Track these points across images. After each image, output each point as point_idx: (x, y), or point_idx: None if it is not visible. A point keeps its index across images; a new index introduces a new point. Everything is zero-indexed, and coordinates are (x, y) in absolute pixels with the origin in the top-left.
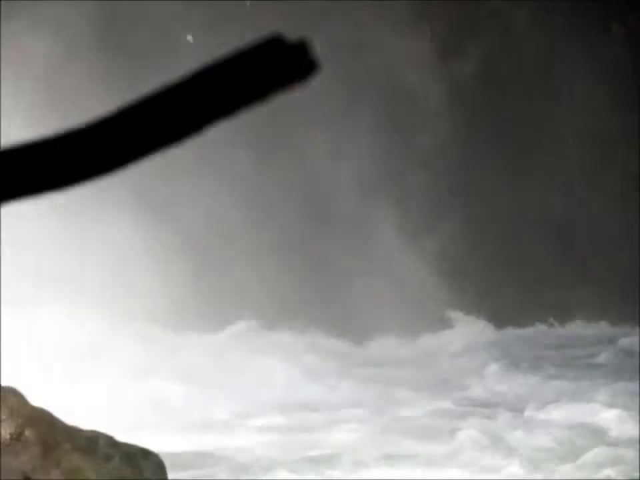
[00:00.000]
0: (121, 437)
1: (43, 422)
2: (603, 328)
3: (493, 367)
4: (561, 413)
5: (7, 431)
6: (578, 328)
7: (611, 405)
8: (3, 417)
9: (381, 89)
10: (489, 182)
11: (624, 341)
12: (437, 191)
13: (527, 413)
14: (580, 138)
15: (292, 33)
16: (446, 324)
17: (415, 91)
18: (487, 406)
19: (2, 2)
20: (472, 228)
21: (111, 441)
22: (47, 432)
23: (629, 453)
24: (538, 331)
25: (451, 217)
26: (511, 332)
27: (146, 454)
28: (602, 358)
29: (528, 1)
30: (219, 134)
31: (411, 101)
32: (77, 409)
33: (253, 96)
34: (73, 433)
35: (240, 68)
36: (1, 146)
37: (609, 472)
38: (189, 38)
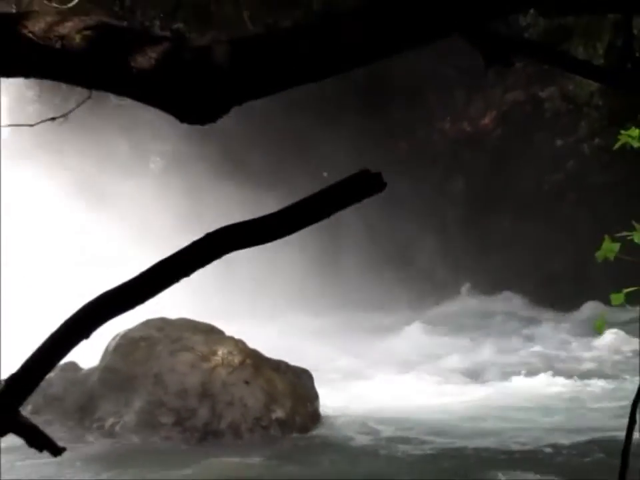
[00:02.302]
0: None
1: (254, 355)
2: None
3: None
4: None
5: (237, 360)
6: None
7: None
8: (235, 352)
9: None
10: None
11: None
12: None
13: None
14: None
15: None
16: None
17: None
18: None
19: None
20: None
21: (286, 364)
22: (256, 360)
23: None
24: None
25: None
26: None
27: (304, 371)
28: None
29: None
30: None
31: None
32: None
33: (351, 200)
34: (268, 360)
35: (347, 184)
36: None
37: None
38: (325, 174)
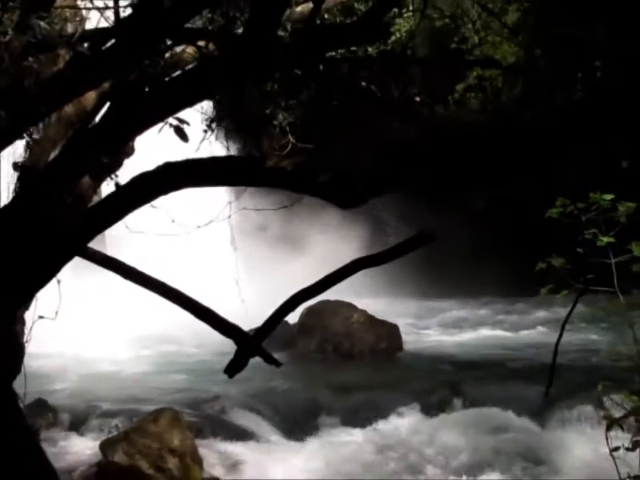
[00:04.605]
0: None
1: (371, 317)
2: None
3: None
4: None
5: (362, 319)
6: None
7: None
8: (362, 315)
9: None
10: None
11: None
12: None
13: None
14: None
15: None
16: None
17: None
18: None
19: None
20: None
21: (387, 322)
22: (372, 320)
23: None
24: None
25: None
26: None
27: (395, 325)
28: None
29: None
30: None
31: None
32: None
33: (422, 244)
34: (378, 319)
35: (420, 235)
36: None
37: None
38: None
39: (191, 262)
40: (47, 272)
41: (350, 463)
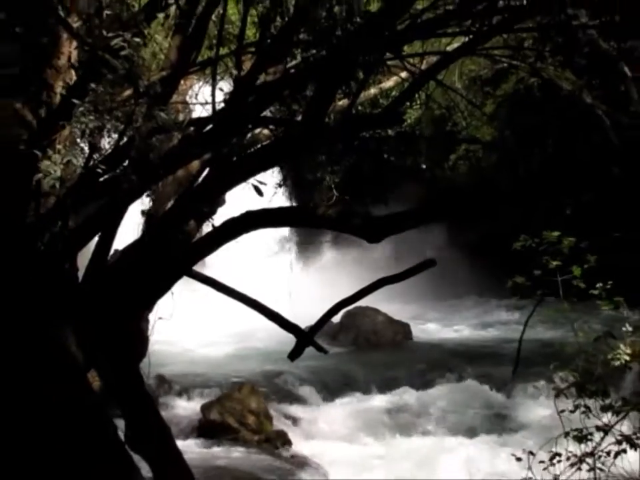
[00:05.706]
0: None
1: (387, 317)
2: None
3: None
4: None
5: (380, 319)
6: None
7: None
8: (380, 316)
9: None
10: None
11: None
12: None
13: None
14: None
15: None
16: None
17: None
18: None
19: None
20: None
21: (405, 322)
22: (392, 320)
23: None
24: None
25: None
26: None
27: (407, 324)
28: None
29: None
30: None
31: None
32: None
33: (424, 268)
34: (395, 320)
35: (424, 262)
36: None
37: None
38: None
39: (262, 279)
40: (164, 286)
41: (374, 419)
